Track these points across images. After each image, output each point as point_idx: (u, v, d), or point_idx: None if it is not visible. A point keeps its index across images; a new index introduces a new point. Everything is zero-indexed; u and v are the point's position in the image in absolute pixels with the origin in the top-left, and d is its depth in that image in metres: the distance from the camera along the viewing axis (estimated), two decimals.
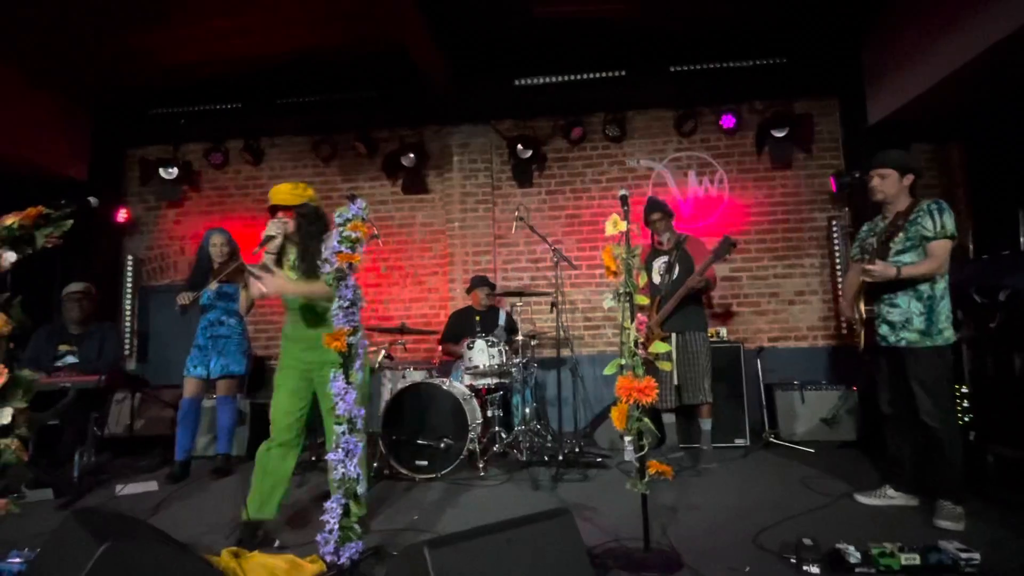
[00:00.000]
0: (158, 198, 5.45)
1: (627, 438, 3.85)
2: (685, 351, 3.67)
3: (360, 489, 2.06)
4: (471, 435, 3.53)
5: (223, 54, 4.64)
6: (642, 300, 2.43)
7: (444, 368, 4.46)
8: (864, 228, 2.94)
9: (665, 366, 2.68)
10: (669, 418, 3.77)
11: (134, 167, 5.47)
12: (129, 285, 5.39)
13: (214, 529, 2.74)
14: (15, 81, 4.49)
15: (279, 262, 2.53)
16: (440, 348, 4.53)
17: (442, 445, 3.50)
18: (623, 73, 4.80)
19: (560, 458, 3.55)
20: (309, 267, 2.45)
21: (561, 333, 3.99)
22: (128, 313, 5.33)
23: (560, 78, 4.90)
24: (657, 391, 2.29)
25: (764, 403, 4.29)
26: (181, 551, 2.00)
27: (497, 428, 3.85)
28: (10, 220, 2.17)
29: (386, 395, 3.86)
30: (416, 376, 3.94)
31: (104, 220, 5.16)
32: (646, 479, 2.25)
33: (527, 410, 3.92)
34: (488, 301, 4.54)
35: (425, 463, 3.52)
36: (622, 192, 2.56)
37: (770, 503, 2.87)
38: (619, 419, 2.30)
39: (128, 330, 5.32)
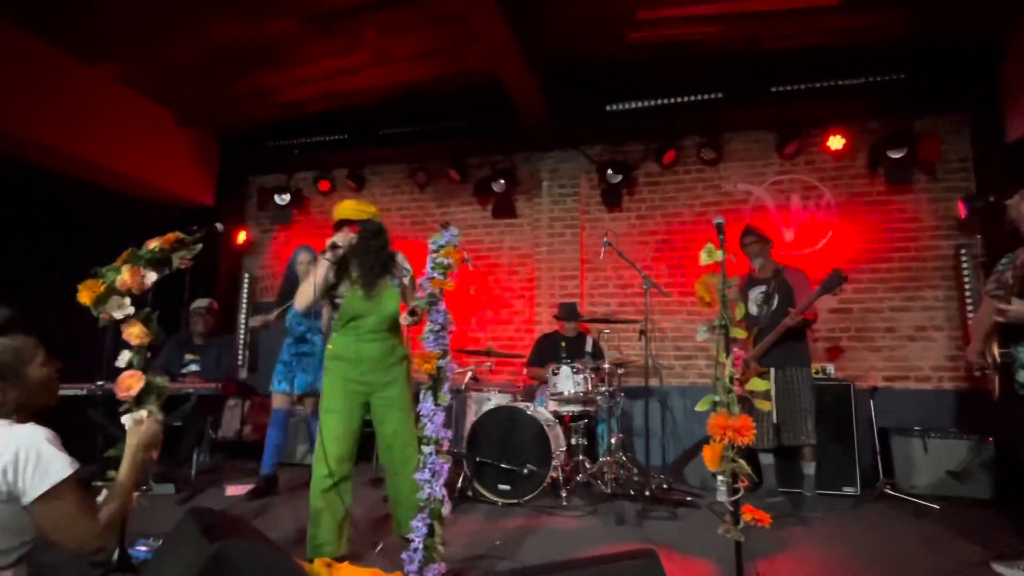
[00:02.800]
0: (272, 222, 5.95)
1: (720, 478, 3.68)
2: (786, 388, 3.42)
3: (445, 510, 2.10)
4: (555, 462, 3.49)
5: (332, 91, 5.04)
6: (739, 333, 2.30)
7: (528, 392, 4.46)
8: (1003, 261, 2.62)
9: (764, 405, 2.51)
10: (767, 458, 3.52)
11: (253, 194, 6.03)
12: (245, 301, 5.90)
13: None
14: (166, 120, 5.13)
15: (340, 275, 2.55)
16: (525, 372, 4.54)
17: (525, 471, 3.48)
18: (719, 95, 4.65)
19: (647, 493, 3.41)
20: (368, 281, 2.52)
21: (650, 362, 3.87)
22: (243, 327, 5.83)
23: (652, 102, 4.83)
24: (754, 431, 2.15)
25: (878, 449, 3.88)
26: (280, 555, 2.12)
27: (581, 457, 3.78)
28: (152, 244, 2.46)
29: (471, 417, 3.92)
30: (501, 399, 3.97)
31: (227, 242, 5.71)
32: (741, 525, 2.10)
33: (612, 440, 3.82)
34: (575, 327, 4.51)
35: (508, 488, 3.52)
36: (718, 220, 2.45)
37: (886, 562, 2.58)
38: (711, 459, 2.17)
39: (242, 343, 5.81)
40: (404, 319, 2.33)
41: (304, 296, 2.55)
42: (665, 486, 3.62)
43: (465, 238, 5.31)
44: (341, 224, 2.57)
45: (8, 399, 1.35)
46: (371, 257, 2.54)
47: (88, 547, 1.36)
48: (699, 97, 4.74)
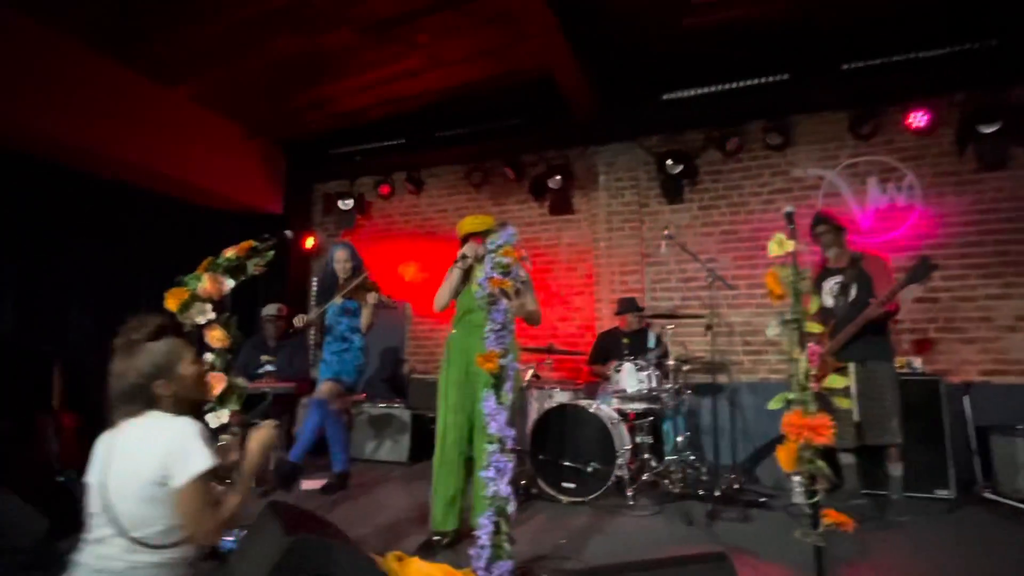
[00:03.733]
0: (337, 227, 6.17)
1: (796, 478, 3.50)
2: (868, 384, 3.21)
3: (511, 509, 2.10)
4: (619, 461, 3.43)
5: (389, 96, 5.15)
6: (813, 328, 2.17)
7: (590, 389, 4.41)
8: None
9: (843, 403, 2.37)
10: (848, 458, 3.31)
11: (319, 200, 6.27)
12: (313, 304, 6.14)
13: (380, 531, 2.97)
14: (236, 134, 5.42)
15: (466, 280, 2.85)
16: (587, 369, 4.49)
17: (589, 469, 3.45)
18: (785, 76, 4.42)
19: (717, 494, 3.30)
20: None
21: (717, 358, 3.74)
22: (312, 329, 6.07)
23: (712, 88, 4.66)
24: (833, 430, 2.02)
25: (976, 449, 3.58)
26: (352, 548, 2.19)
27: (646, 455, 3.70)
28: (229, 253, 2.60)
29: (533, 414, 3.92)
30: (563, 397, 3.95)
31: (294, 247, 5.97)
32: (820, 528, 1.99)
33: (679, 439, 3.71)
34: (637, 323, 4.42)
35: (572, 486, 3.49)
36: (787, 210, 2.32)
37: (986, 572, 2.37)
38: (786, 460, 2.06)
39: (312, 343, 6.06)
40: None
41: (440, 298, 2.88)
42: (736, 486, 3.49)
43: (522, 236, 5.29)
44: (467, 238, 2.89)
45: (166, 394, 1.51)
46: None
47: (210, 540, 1.51)
48: (762, 80, 4.53)
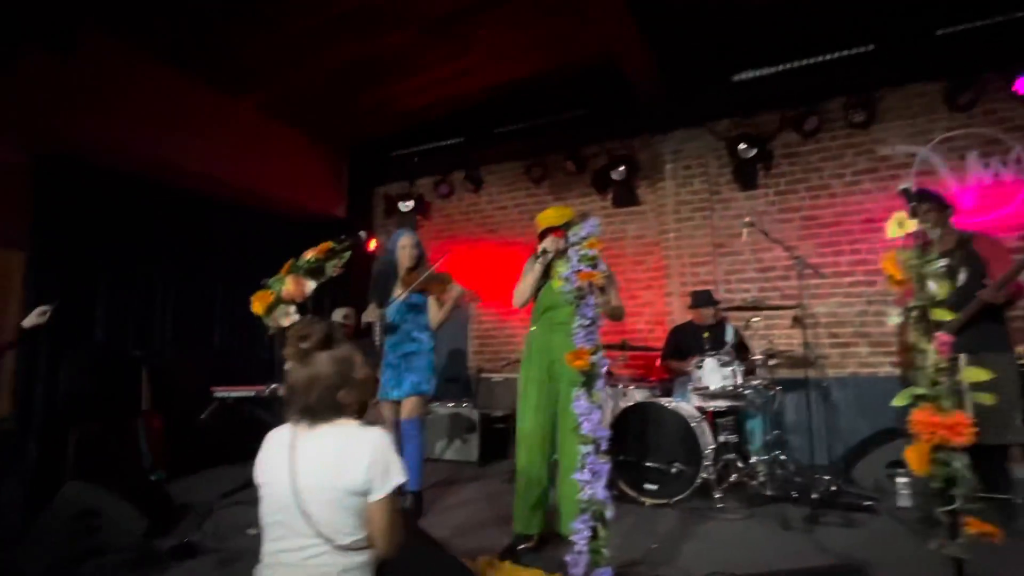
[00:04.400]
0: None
1: (900, 479, 3.23)
2: None
3: (609, 514, 2.00)
4: (705, 461, 3.26)
5: (447, 95, 5.13)
6: (941, 315, 1.96)
7: (664, 387, 4.24)
8: None
9: (985, 399, 2.13)
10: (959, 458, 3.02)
11: (380, 203, 6.33)
12: (370, 298, 6.20)
13: (458, 532, 2.93)
14: (300, 140, 5.53)
15: (547, 274, 2.76)
16: (661, 365, 4.31)
17: (673, 470, 3.29)
18: (870, 47, 4.12)
19: (814, 496, 3.08)
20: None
21: (807, 352, 3.50)
22: (377, 330, 6.13)
23: (786, 66, 4.40)
24: (972, 428, 1.81)
25: None
26: (443, 552, 2.14)
27: (732, 455, 3.50)
28: (309, 255, 2.60)
29: (607, 413, 3.78)
30: (638, 395, 3.81)
31: (357, 250, 6.03)
32: (960, 539, 1.79)
33: (767, 438, 3.50)
34: (712, 317, 4.21)
35: (655, 487, 3.34)
36: (903, 186, 2.11)
37: None
38: (917, 462, 1.86)
39: (377, 343, 6.12)
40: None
41: (520, 294, 2.80)
42: (833, 488, 3.25)
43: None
44: (546, 232, 2.75)
45: (352, 401, 1.49)
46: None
47: (394, 553, 1.46)
48: (843, 53, 4.24)
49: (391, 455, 1.44)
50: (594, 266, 2.13)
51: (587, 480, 2.00)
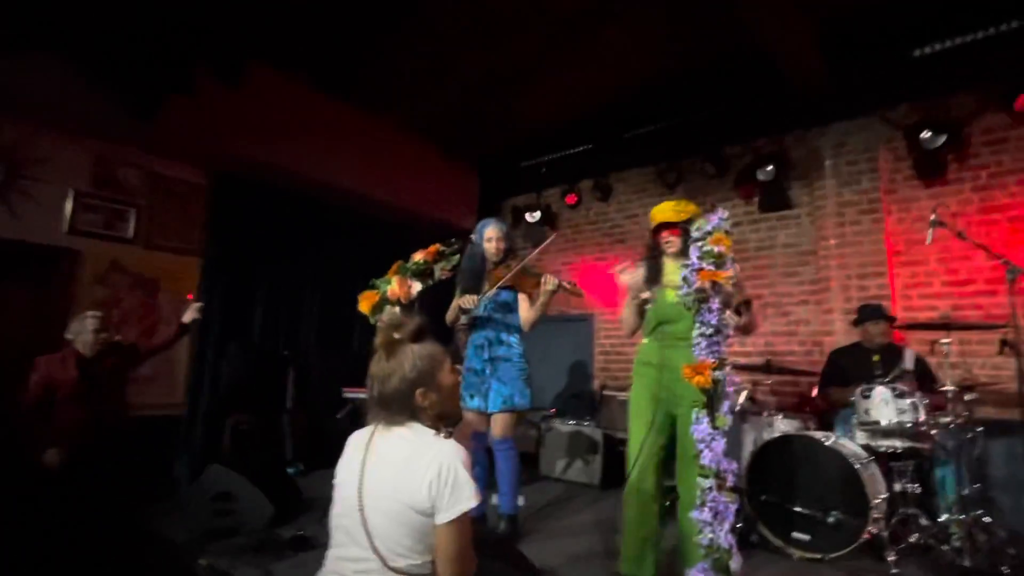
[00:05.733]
0: (525, 240, 6.16)
1: None
2: None
3: (734, 565, 1.63)
4: (873, 513, 2.65)
5: (574, 101, 4.98)
6: None
7: (821, 420, 3.59)
8: None
9: None
10: None
11: (507, 214, 6.34)
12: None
13: (570, 561, 2.67)
14: (434, 155, 5.74)
15: (657, 279, 2.45)
16: (818, 395, 3.67)
17: (830, 519, 2.72)
18: None
19: None
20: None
21: (1015, 386, 2.71)
22: (462, 330, 6.10)
23: (988, 31, 3.55)
24: None
25: None
26: None
27: (912, 510, 2.81)
28: (418, 256, 2.59)
29: (749, 445, 3.28)
30: (786, 426, 3.25)
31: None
32: None
33: (964, 492, 2.76)
34: (885, 337, 3.49)
35: (806, 537, 2.79)
36: None
37: None
38: None
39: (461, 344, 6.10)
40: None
41: (625, 325, 2.58)
42: None
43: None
44: (660, 228, 2.45)
45: (428, 404, 1.37)
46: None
47: None
48: None
49: (461, 474, 1.26)
50: (720, 265, 1.79)
51: (707, 521, 1.66)
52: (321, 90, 4.66)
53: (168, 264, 4.27)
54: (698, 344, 1.77)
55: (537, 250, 2.99)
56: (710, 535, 1.64)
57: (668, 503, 3.29)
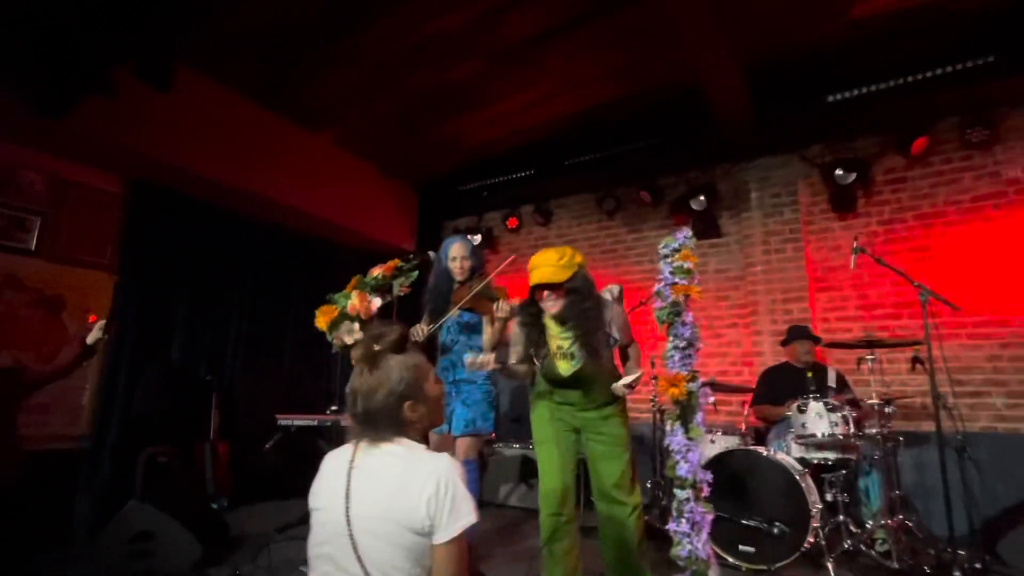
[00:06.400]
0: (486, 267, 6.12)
1: None
2: None
3: (712, 574, 1.65)
4: (813, 522, 2.79)
5: (517, 127, 5.06)
6: None
7: (756, 435, 3.79)
8: None
9: None
10: None
11: (471, 242, 6.26)
12: (425, 315, 6.06)
13: None
14: (373, 174, 5.62)
15: (538, 354, 2.26)
16: (751, 411, 3.86)
17: (775, 531, 2.84)
18: (989, 59, 3.69)
19: (958, 573, 2.54)
20: (591, 352, 2.14)
21: (922, 400, 3.00)
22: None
23: (889, 83, 4.01)
24: None
25: None
26: None
27: (842, 517, 3.00)
28: (376, 271, 2.50)
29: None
30: (727, 442, 3.39)
31: (424, 283, 5.98)
32: None
33: (890, 498, 2.98)
34: (809, 357, 3.76)
35: (751, 550, 2.89)
36: None
37: None
38: None
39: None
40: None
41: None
42: (978, 565, 2.69)
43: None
44: (539, 289, 2.23)
45: (417, 417, 1.29)
46: (588, 322, 2.17)
47: None
48: (956, 67, 3.82)
49: (459, 490, 1.20)
50: (690, 280, 1.86)
51: (685, 532, 1.68)
52: (255, 100, 4.46)
53: (75, 280, 3.84)
54: (671, 357, 1.82)
55: (494, 272, 2.93)
56: (688, 547, 1.66)
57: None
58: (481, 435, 2.88)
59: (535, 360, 2.28)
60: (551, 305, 2.17)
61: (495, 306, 2.74)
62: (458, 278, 2.98)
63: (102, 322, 3.05)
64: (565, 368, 2.23)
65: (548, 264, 2.16)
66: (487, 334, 2.91)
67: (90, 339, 3.02)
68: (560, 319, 2.18)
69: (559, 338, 2.24)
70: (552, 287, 2.16)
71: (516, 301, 2.46)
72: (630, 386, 2.00)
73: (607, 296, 2.32)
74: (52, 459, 3.54)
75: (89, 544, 2.87)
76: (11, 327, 3.52)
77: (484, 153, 5.53)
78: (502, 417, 5.41)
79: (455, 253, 3.01)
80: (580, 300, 2.16)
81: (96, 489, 3.64)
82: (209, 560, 2.79)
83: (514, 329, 2.35)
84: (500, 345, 2.80)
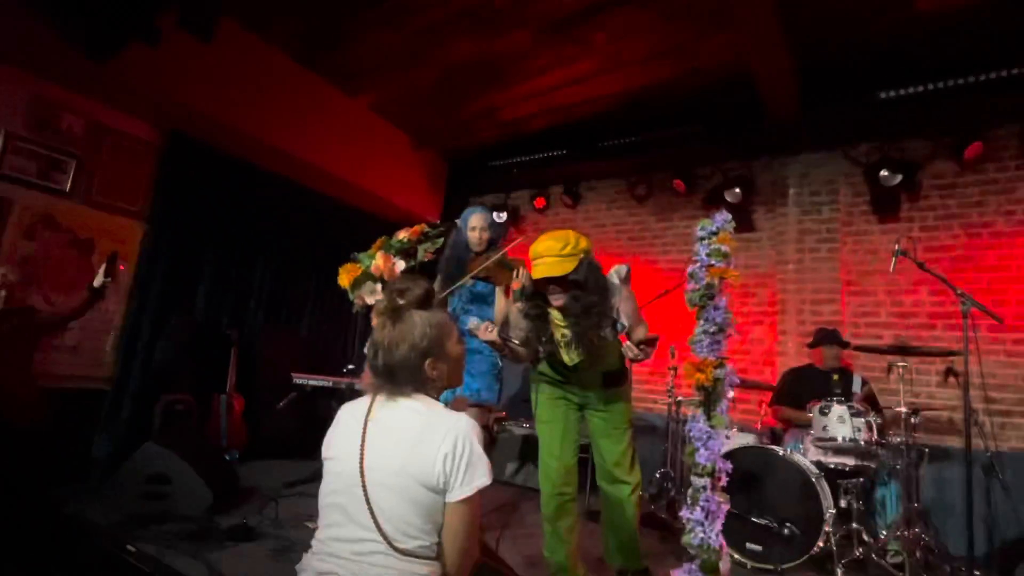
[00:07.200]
0: (505, 239, 6.09)
1: None
2: None
3: (723, 566, 1.61)
4: (825, 527, 2.73)
5: (555, 104, 4.96)
6: None
7: (773, 436, 3.71)
8: None
9: None
10: None
11: (491, 212, 6.23)
12: (438, 283, 6.04)
13: (532, 565, 2.60)
14: (404, 144, 5.59)
15: (543, 342, 2.21)
16: (770, 410, 3.79)
17: (785, 531, 2.78)
18: None
19: None
20: (589, 347, 2.13)
21: (950, 415, 2.89)
22: None
23: (947, 83, 3.83)
24: None
25: None
26: None
27: (856, 525, 2.93)
28: (402, 235, 2.46)
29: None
30: (743, 439, 3.33)
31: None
32: None
33: (910, 509, 2.89)
34: (835, 363, 3.66)
35: (758, 548, 2.85)
36: None
37: None
38: None
39: None
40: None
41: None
42: None
43: (691, 256, 4.78)
44: (545, 283, 2.12)
45: (437, 375, 1.28)
46: (590, 315, 2.10)
47: (467, 572, 1.20)
48: (1020, 71, 3.62)
49: (476, 449, 1.18)
50: (727, 263, 1.80)
51: (699, 521, 1.63)
52: (295, 58, 4.43)
53: (107, 225, 3.90)
54: (700, 342, 1.76)
55: (505, 248, 2.87)
56: (700, 535, 1.62)
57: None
58: (484, 406, 2.79)
59: (540, 348, 2.26)
60: (556, 299, 2.11)
61: (514, 273, 2.69)
62: (475, 248, 2.93)
63: (104, 266, 3.08)
64: (569, 358, 2.22)
65: (550, 254, 2.06)
66: (499, 304, 2.86)
67: (96, 282, 3.06)
68: (564, 311, 2.14)
69: (563, 327, 2.20)
70: (556, 280, 2.08)
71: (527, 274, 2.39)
72: (644, 346, 1.93)
73: (614, 278, 2.24)
74: (75, 397, 3.63)
75: (105, 481, 2.93)
76: (45, 267, 3.59)
77: (518, 130, 5.45)
78: (514, 396, 5.40)
79: (475, 223, 2.95)
80: (583, 295, 2.08)
81: (116, 430, 3.73)
82: (219, 508, 2.83)
83: (514, 311, 2.30)
84: (504, 322, 2.71)
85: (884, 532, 2.98)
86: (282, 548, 2.47)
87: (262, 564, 2.32)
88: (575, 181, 5.63)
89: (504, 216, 5.85)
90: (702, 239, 1.87)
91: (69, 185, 3.71)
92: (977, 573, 2.65)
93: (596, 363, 2.20)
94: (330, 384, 3.78)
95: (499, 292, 2.88)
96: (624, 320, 2.17)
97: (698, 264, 1.82)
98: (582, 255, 2.10)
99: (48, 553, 2.28)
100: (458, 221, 3.04)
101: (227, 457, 3.87)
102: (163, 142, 4.13)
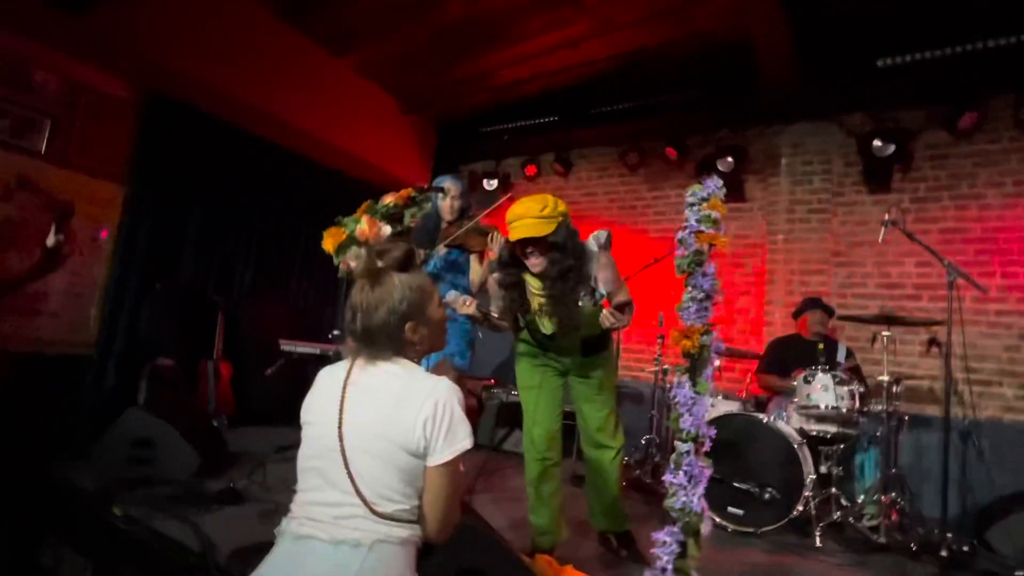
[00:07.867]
0: (479, 206, 6.01)
1: None
2: None
3: (704, 529, 1.64)
4: (805, 492, 2.79)
5: (547, 69, 4.84)
6: None
7: (757, 403, 3.77)
8: None
9: None
10: None
11: (465, 180, 6.16)
12: None
13: (516, 528, 2.64)
14: (392, 108, 5.46)
15: (520, 312, 2.21)
16: (755, 379, 3.83)
17: (766, 496, 2.84)
18: None
19: (944, 554, 2.55)
20: (565, 312, 2.10)
21: (930, 384, 2.94)
22: None
23: (945, 51, 3.77)
24: None
25: None
26: (508, 549, 1.86)
27: (834, 490, 3.00)
28: (389, 199, 2.39)
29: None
30: (728, 406, 3.37)
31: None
32: None
33: (883, 476, 2.96)
34: (821, 328, 3.69)
35: (740, 512, 2.91)
36: None
37: None
38: None
39: None
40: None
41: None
42: (966, 548, 2.68)
43: (683, 223, 4.75)
44: (523, 244, 2.09)
45: (418, 339, 1.26)
46: (567, 281, 2.08)
47: (445, 537, 1.20)
48: (1017, 38, 3.57)
49: (457, 413, 1.17)
50: (716, 229, 1.78)
51: (681, 484, 1.65)
52: (277, 15, 4.27)
53: (84, 188, 3.78)
54: (687, 308, 1.75)
55: (488, 210, 2.85)
56: (683, 498, 1.64)
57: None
58: (454, 369, 2.81)
59: (518, 318, 2.26)
60: (535, 264, 2.08)
61: (488, 238, 2.69)
62: (447, 217, 2.90)
63: (54, 224, 2.98)
64: (548, 326, 2.22)
65: (529, 215, 2.04)
66: (474, 272, 2.85)
67: (49, 242, 2.98)
68: (541, 276, 2.10)
69: (539, 295, 2.18)
70: (535, 241, 2.04)
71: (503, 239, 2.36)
72: (619, 313, 2.02)
73: (592, 245, 2.22)
74: (58, 362, 3.59)
75: (90, 446, 2.92)
76: (23, 229, 3.49)
77: (509, 95, 5.33)
78: (502, 363, 5.43)
79: (451, 188, 2.90)
80: (561, 258, 2.05)
81: (101, 395, 3.70)
82: (206, 472, 2.84)
83: (492, 282, 2.28)
84: (481, 291, 2.71)
85: (862, 496, 3.05)
86: (270, 512, 2.48)
87: (250, 526, 2.33)
88: (567, 148, 5.55)
89: (495, 183, 5.77)
90: (692, 205, 1.84)
91: (44, 146, 3.59)
92: (949, 534, 2.73)
93: (574, 330, 2.17)
94: (318, 351, 3.77)
95: (474, 259, 2.88)
96: (603, 287, 2.15)
97: (688, 230, 1.79)
98: (561, 218, 2.09)
99: (38, 518, 2.28)
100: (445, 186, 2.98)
101: (215, 423, 3.87)
102: (142, 101, 3.99)
